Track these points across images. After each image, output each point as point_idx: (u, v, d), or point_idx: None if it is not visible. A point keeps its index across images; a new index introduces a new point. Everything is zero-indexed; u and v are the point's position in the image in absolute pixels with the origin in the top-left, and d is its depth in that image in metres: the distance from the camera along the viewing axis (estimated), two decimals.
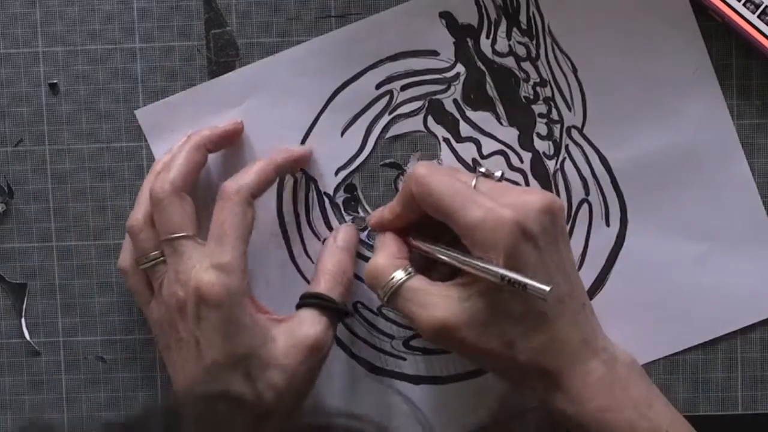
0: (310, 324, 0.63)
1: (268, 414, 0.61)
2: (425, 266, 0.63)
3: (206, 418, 0.56)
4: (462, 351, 0.61)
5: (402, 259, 0.63)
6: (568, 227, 0.68)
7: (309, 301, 0.64)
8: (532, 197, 0.60)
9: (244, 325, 0.61)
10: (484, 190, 0.61)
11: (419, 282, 0.61)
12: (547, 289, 0.57)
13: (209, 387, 0.61)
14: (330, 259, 0.65)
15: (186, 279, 0.62)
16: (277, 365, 0.61)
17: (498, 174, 0.63)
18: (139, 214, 0.64)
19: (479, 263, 0.59)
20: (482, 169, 0.64)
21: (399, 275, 0.61)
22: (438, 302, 0.60)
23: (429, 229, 0.64)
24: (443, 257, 0.61)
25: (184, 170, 0.64)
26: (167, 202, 0.63)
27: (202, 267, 0.61)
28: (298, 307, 0.64)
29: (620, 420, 0.60)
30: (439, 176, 0.61)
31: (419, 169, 0.61)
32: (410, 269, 0.62)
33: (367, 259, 0.68)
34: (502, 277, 0.58)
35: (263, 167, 0.64)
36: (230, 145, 0.67)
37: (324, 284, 0.64)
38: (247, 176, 0.63)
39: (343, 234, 0.67)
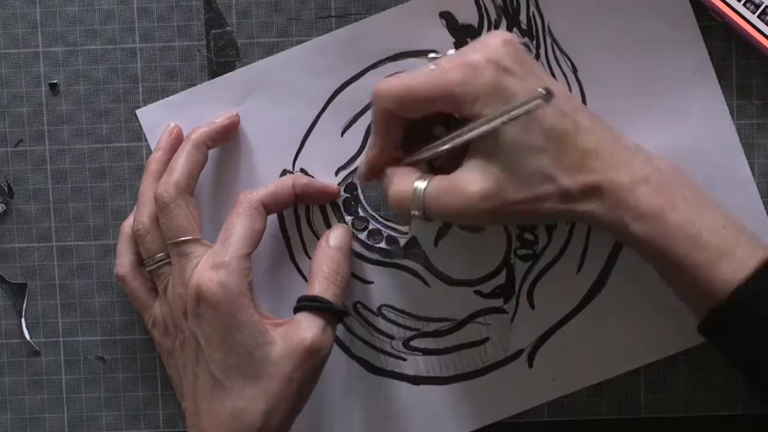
0: (306, 327, 0.62)
1: (259, 424, 0.61)
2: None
3: None
4: (513, 211, 0.59)
5: (413, 173, 0.62)
6: (568, 228, 0.68)
7: (304, 304, 0.64)
8: (491, 37, 0.60)
9: (242, 325, 0.61)
10: (444, 63, 0.60)
11: (439, 180, 0.61)
12: (540, 89, 0.55)
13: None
14: (323, 260, 0.65)
15: (189, 278, 0.62)
16: (273, 368, 0.61)
17: (451, 51, 0.63)
18: (144, 216, 0.65)
19: (476, 124, 0.58)
20: (432, 55, 0.63)
21: (419, 185, 0.61)
22: (466, 182, 0.59)
23: (412, 143, 0.64)
24: (446, 145, 0.60)
25: (187, 171, 0.64)
26: (173, 206, 0.63)
27: (203, 266, 0.62)
28: (295, 311, 0.64)
29: (680, 218, 0.58)
30: (399, 79, 0.61)
31: (380, 85, 0.61)
32: (426, 176, 0.61)
33: (367, 259, 0.68)
34: (503, 122, 0.57)
35: (282, 182, 0.65)
36: (228, 140, 0.68)
37: (318, 286, 0.64)
38: (263, 187, 0.64)
39: (335, 234, 0.66)
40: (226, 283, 0.61)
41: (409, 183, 0.62)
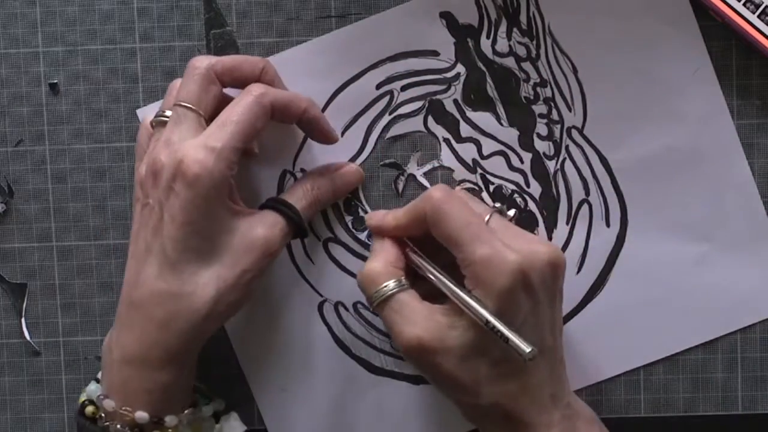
0: (268, 225, 0.62)
1: (205, 310, 0.60)
2: (418, 278, 0.63)
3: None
4: (431, 374, 0.61)
5: (397, 269, 0.62)
6: (568, 228, 0.68)
7: (272, 204, 0.64)
8: (542, 248, 0.59)
9: (212, 211, 0.60)
10: (496, 227, 0.61)
11: (409, 297, 0.61)
12: (528, 350, 0.57)
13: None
14: (311, 177, 0.66)
15: (175, 148, 0.60)
16: (230, 257, 0.61)
17: (511, 213, 0.63)
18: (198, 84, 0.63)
19: (469, 300, 0.59)
20: (497, 205, 0.63)
21: (392, 285, 0.61)
22: (423, 322, 0.60)
23: (427, 245, 0.63)
24: (436, 281, 0.61)
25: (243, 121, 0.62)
26: (198, 76, 0.62)
27: (193, 144, 0.60)
28: (262, 207, 0.64)
29: None
30: (455, 204, 0.60)
31: (436, 192, 0.61)
32: (404, 281, 0.62)
33: (364, 258, 0.68)
34: (487, 322, 0.58)
35: (296, 98, 0.63)
36: (290, 122, 0.65)
37: (294, 194, 0.65)
38: (280, 91, 0.63)
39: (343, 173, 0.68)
40: (210, 169, 0.59)
41: (385, 274, 0.62)
